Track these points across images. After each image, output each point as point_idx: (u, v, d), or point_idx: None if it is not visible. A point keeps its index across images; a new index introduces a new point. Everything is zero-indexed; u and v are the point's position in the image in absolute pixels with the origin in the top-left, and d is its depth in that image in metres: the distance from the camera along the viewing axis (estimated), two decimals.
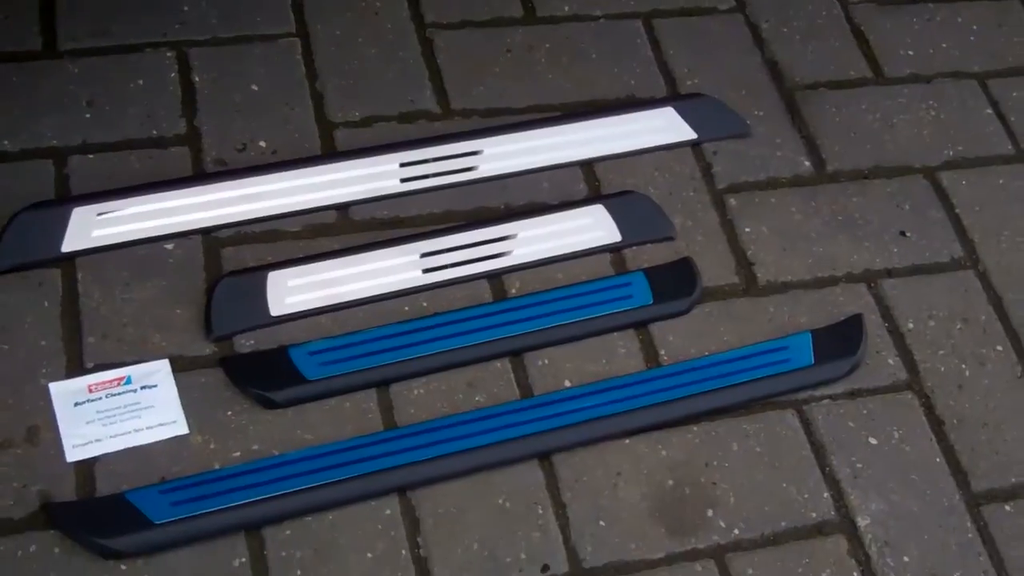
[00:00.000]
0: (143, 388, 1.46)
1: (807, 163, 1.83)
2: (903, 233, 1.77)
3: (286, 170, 1.66)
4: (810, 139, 1.85)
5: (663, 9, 1.96)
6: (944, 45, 2.00)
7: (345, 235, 1.64)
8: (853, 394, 1.61)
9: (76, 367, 1.48)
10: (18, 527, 1.36)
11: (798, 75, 1.92)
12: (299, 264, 1.59)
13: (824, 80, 1.93)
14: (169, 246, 1.59)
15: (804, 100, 1.89)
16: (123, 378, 1.47)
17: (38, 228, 1.55)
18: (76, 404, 1.44)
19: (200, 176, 1.65)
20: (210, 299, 1.53)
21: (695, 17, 1.96)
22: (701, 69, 1.90)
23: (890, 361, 1.65)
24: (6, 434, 1.42)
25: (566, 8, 1.93)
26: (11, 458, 1.40)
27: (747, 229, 1.74)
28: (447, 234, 1.65)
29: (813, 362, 1.60)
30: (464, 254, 1.64)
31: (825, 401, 1.60)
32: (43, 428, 1.43)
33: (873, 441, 1.57)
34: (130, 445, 1.43)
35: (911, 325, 1.68)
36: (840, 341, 1.64)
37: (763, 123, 1.86)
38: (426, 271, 1.61)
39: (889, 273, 1.73)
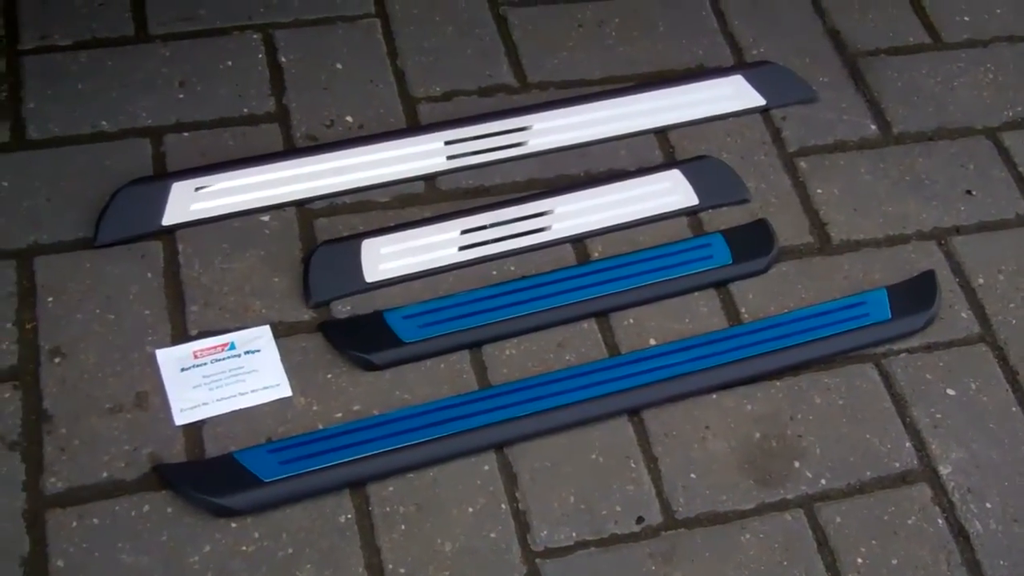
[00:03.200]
0: (246, 353, 1.41)
1: (873, 126, 1.74)
2: (969, 192, 1.69)
3: (374, 143, 1.60)
4: (874, 103, 1.77)
5: None
6: (999, 11, 1.91)
7: (433, 204, 1.57)
8: (929, 347, 1.53)
9: (181, 334, 1.42)
10: (131, 488, 1.31)
11: (859, 42, 1.84)
12: (391, 232, 1.52)
13: (884, 47, 1.84)
14: (265, 218, 1.53)
15: (866, 66, 1.81)
16: (227, 344, 1.41)
17: (139, 203, 1.50)
18: (182, 370, 1.39)
19: (292, 151, 1.59)
20: (307, 267, 1.47)
21: None
22: (766, 39, 1.82)
23: (963, 315, 1.57)
24: (116, 399, 1.36)
25: None
26: (122, 422, 1.35)
27: (819, 191, 1.66)
28: (530, 200, 1.58)
29: (890, 317, 1.53)
30: (548, 219, 1.57)
31: (903, 355, 1.52)
32: (151, 393, 1.37)
33: (951, 392, 1.50)
34: (236, 408, 1.37)
35: (981, 280, 1.60)
36: (915, 296, 1.56)
37: (828, 89, 1.77)
38: (513, 236, 1.55)
39: (958, 230, 1.65)
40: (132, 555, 1.26)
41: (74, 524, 1.28)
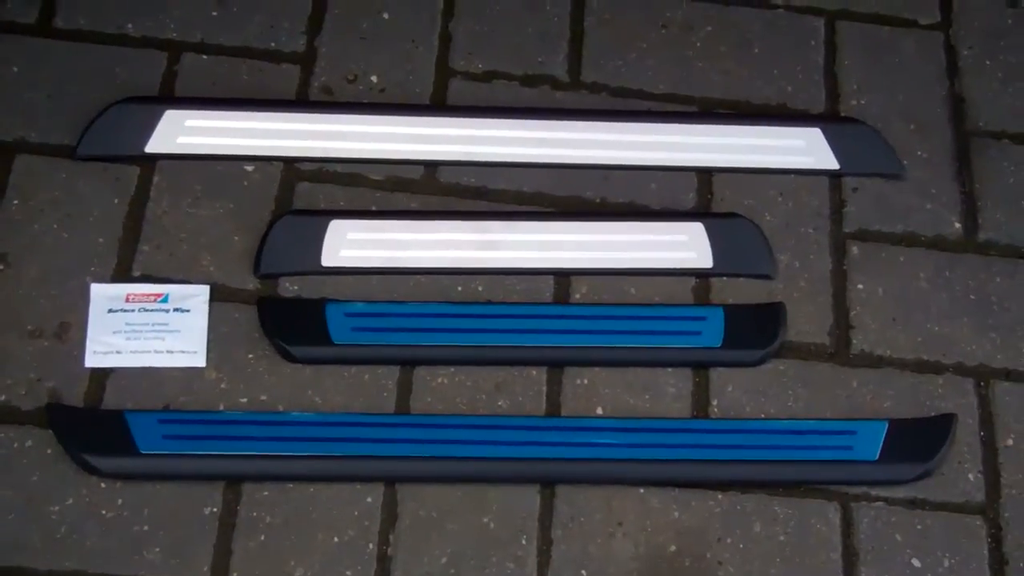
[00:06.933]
0: (176, 310, 1.42)
1: (957, 224, 1.55)
2: None
3: (387, 113, 1.55)
4: (970, 197, 1.57)
5: (854, 11, 1.68)
6: None
7: (425, 195, 1.52)
8: (914, 503, 1.39)
9: (123, 272, 1.44)
10: (22, 418, 1.36)
11: (983, 119, 1.62)
12: (364, 218, 1.49)
13: (1013, 131, 1.62)
14: (249, 167, 1.52)
15: (980, 150, 1.60)
16: (161, 295, 1.43)
17: (128, 122, 1.51)
18: (109, 311, 1.41)
19: (300, 102, 1.56)
20: (266, 235, 1.46)
21: (888, 27, 1.68)
22: (873, 89, 1.63)
23: (970, 477, 1.41)
24: (40, 324, 1.41)
25: None
26: (37, 349, 1.39)
27: (860, 286, 1.50)
28: (527, 219, 1.51)
29: (876, 458, 1.39)
30: (537, 242, 1.49)
31: (878, 503, 1.38)
32: (74, 327, 1.41)
33: (916, 563, 1.36)
34: (146, 364, 1.39)
35: (1010, 441, 1.43)
36: (918, 441, 1.41)
37: (922, 167, 1.58)
38: (490, 252, 1.48)
39: (1007, 375, 1.47)
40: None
41: None
